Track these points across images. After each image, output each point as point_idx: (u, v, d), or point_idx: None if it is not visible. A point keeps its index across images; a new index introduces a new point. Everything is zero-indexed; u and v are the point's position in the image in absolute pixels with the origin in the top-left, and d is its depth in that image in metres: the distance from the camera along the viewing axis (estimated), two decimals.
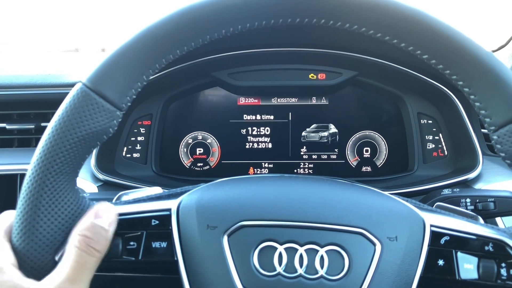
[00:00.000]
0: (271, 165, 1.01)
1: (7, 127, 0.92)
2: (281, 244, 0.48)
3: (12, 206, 0.84)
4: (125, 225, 0.53)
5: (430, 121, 0.96)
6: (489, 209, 0.66)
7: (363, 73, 0.95)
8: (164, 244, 0.53)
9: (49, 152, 0.50)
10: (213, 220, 0.50)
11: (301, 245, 0.48)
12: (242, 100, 1.00)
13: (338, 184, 0.56)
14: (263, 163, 1.01)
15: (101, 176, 0.88)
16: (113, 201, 0.61)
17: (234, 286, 0.47)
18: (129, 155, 0.97)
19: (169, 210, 0.53)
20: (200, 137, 1.00)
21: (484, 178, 0.87)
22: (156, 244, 0.53)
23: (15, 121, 0.94)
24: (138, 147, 0.97)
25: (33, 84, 0.92)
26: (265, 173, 1.01)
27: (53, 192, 0.50)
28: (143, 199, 0.57)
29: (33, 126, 0.92)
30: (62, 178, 0.51)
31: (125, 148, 0.97)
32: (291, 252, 0.48)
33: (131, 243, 0.53)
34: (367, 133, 1.00)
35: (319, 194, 0.53)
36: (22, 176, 0.86)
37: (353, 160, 1.00)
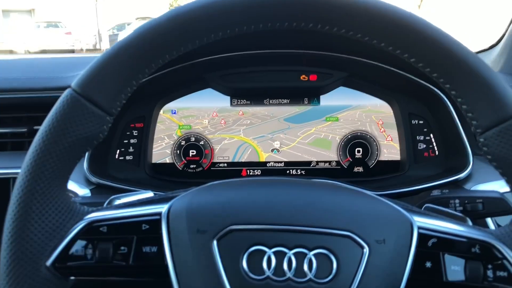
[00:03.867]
0: (263, 167, 1.01)
1: (0, 130, 0.92)
2: (270, 248, 0.49)
3: (4, 211, 0.84)
4: (116, 230, 0.54)
5: (421, 122, 0.97)
6: (477, 210, 0.67)
7: (354, 74, 0.95)
8: (154, 249, 0.53)
9: (39, 158, 0.50)
10: (202, 224, 0.51)
11: (290, 249, 0.49)
12: (235, 102, 1.00)
13: (327, 187, 0.56)
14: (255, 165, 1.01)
15: (93, 179, 0.88)
16: (104, 205, 0.62)
17: None
18: (122, 158, 0.97)
19: (159, 214, 0.53)
20: (193, 139, 1.01)
21: (475, 178, 0.88)
22: (146, 249, 0.53)
23: (8, 124, 0.94)
24: (131, 150, 0.97)
25: (26, 88, 0.92)
26: (257, 174, 1.01)
27: (43, 198, 0.51)
28: (133, 203, 0.57)
29: (25, 130, 0.92)
30: (52, 184, 0.51)
31: (118, 151, 0.97)
32: (280, 255, 0.48)
33: (122, 248, 0.53)
34: (359, 133, 1.00)
35: (307, 197, 0.53)
36: (15, 180, 0.86)
37: (345, 161, 1.01)
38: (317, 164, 1.01)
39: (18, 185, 0.50)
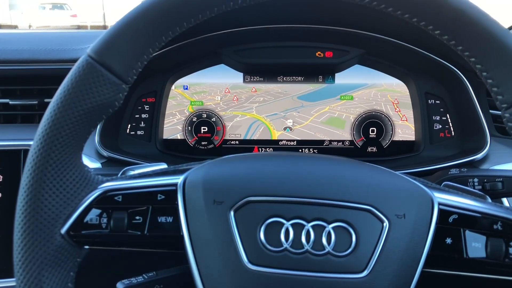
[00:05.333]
0: (275, 145, 1.00)
1: (10, 102, 0.91)
2: (288, 220, 0.48)
3: (15, 183, 0.84)
4: (131, 199, 0.53)
5: (437, 101, 0.95)
6: (497, 189, 0.65)
7: (370, 51, 0.93)
8: (170, 219, 0.53)
9: (54, 125, 0.49)
10: (219, 195, 0.50)
11: (308, 221, 0.48)
12: (248, 78, 0.98)
13: (346, 162, 0.55)
14: (267, 143, 1.00)
15: (105, 153, 0.87)
16: (119, 175, 0.61)
17: (240, 262, 0.47)
18: (133, 132, 0.96)
19: (175, 185, 0.52)
20: (204, 116, 0.99)
21: (491, 160, 0.86)
22: (162, 219, 0.53)
23: (18, 96, 0.93)
24: (142, 125, 0.96)
25: (37, 59, 0.90)
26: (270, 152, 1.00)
27: (58, 165, 0.50)
28: (148, 174, 0.57)
29: (36, 102, 0.91)
30: (67, 151, 0.51)
31: (129, 125, 0.96)
32: (298, 228, 0.48)
33: (137, 217, 0.53)
34: (373, 113, 0.98)
35: (327, 170, 0.52)
36: (26, 152, 0.86)
37: (358, 141, 0.99)
38: (330, 143, 0.99)
39: (33, 151, 0.50)
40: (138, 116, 0.96)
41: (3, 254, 0.81)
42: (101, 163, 0.88)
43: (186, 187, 0.52)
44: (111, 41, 0.50)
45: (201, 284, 0.49)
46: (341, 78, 0.98)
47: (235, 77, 0.99)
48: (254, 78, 0.98)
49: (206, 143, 1.00)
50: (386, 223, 0.48)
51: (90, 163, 0.86)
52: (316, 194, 0.49)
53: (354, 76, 0.98)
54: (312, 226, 0.48)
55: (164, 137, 0.99)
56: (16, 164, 0.84)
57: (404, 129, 0.99)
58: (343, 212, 0.48)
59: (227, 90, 0.99)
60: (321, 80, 0.98)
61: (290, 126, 0.99)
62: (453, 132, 0.95)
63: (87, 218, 0.52)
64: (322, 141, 0.99)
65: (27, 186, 0.50)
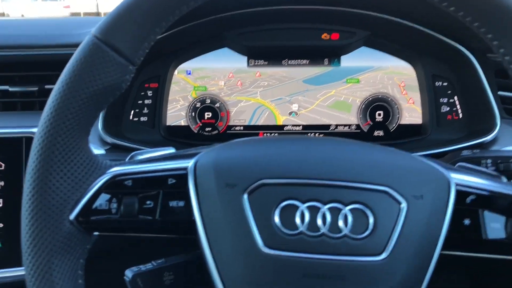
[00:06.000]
0: (281, 130, 0.98)
1: (10, 89, 0.89)
2: (303, 202, 0.47)
3: (17, 171, 0.82)
4: (141, 184, 0.52)
5: (445, 84, 0.94)
6: (511, 169, 0.64)
7: (377, 33, 0.91)
8: (181, 203, 0.51)
9: (60, 108, 0.48)
10: (231, 178, 0.49)
11: (324, 204, 0.47)
12: (252, 62, 0.97)
13: (361, 143, 0.54)
14: (272, 128, 0.99)
15: (108, 139, 0.86)
16: (127, 160, 0.60)
17: (256, 246, 0.46)
18: (137, 119, 0.95)
19: (185, 168, 0.51)
20: (208, 101, 0.98)
21: (501, 142, 0.85)
22: (173, 203, 0.52)
23: (18, 83, 0.91)
24: (146, 111, 0.95)
25: (36, 44, 0.88)
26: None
27: (65, 149, 0.49)
28: (157, 158, 0.55)
29: (36, 88, 0.89)
30: (74, 135, 0.49)
31: (132, 111, 0.94)
32: (313, 210, 0.47)
33: (148, 202, 0.52)
34: (380, 96, 0.97)
35: (342, 152, 0.51)
36: (27, 139, 0.84)
37: (365, 124, 0.98)
38: (336, 127, 0.98)
39: (38, 136, 0.48)
40: (141, 102, 0.94)
41: (8, 243, 0.80)
42: (105, 150, 0.86)
43: (197, 171, 0.50)
44: (118, 20, 0.49)
45: (215, 269, 0.48)
46: (347, 61, 0.96)
47: (239, 61, 0.97)
48: (258, 62, 0.97)
49: (210, 129, 0.98)
50: (403, 205, 0.47)
51: (93, 149, 0.84)
52: (331, 175, 0.48)
53: (360, 59, 0.96)
54: (328, 209, 0.47)
55: (168, 123, 0.97)
56: (18, 152, 0.83)
57: (411, 112, 0.97)
58: (359, 193, 0.47)
59: (231, 74, 0.97)
60: (326, 63, 0.96)
61: (296, 110, 0.98)
62: (460, 114, 0.94)
63: (97, 204, 0.51)
64: (328, 126, 0.98)
65: (33, 172, 0.48)
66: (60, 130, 0.48)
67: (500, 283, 0.80)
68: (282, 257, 0.46)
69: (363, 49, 0.96)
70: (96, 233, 0.53)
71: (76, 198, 0.50)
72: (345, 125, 0.98)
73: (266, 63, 0.97)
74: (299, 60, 0.96)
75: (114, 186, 0.51)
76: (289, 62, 0.97)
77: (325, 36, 0.91)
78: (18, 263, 0.80)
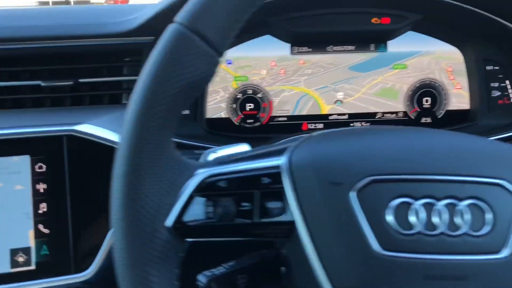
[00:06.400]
0: (326, 120, 0.95)
1: (43, 84, 0.83)
2: (416, 199, 0.43)
3: (60, 172, 0.76)
4: (235, 184, 0.48)
5: (496, 67, 0.91)
6: None
7: (429, 16, 0.87)
8: (279, 204, 0.47)
9: (149, 106, 0.43)
10: (336, 176, 0.45)
11: (439, 200, 0.43)
12: (295, 50, 0.92)
13: (464, 135, 0.51)
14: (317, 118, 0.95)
15: None
16: (202, 159, 0.55)
17: (371, 248, 0.43)
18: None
19: (278, 167, 0.47)
20: (250, 91, 0.93)
21: None
22: (271, 205, 0.47)
23: (47, 78, 0.85)
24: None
25: (69, 35, 0.82)
26: (319, 128, 0.95)
27: (155, 150, 0.44)
28: (246, 156, 0.51)
29: (71, 83, 0.83)
30: (163, 135, 0.45)
31: None
32: (428, 208, 0.43)
33: (244, 204, 0.47)
34: (427, 82, 0.94)
35: (450, 144, 0.48)
36: (69, 138, 0.78)
37: (412, 111, 0.95)
38: (383, 115, 0.95)
39: (126, 137, 0.43)
40: None
41: (55, 250, 0.74)
42: None
43: (294, 168, 0.46)
44: (207, 5, 0.44)
45: (325, 274, 0.44)
46: (393, 46, 0.93)
47: (282, 49, 0.92)
48: (302, 49, 0.92)
49: (252, 121, 0.94)
50: None
51: None
52: (444, 169, 0.44)
53: (407, 44, 0.93)
54: (444, 205, 0.43)
55: (208, 116, 0.92)
56: (59, 152, 0.77)
57: (459, 97, 0.95)
58: (474, 188, 0.44)
59: (273, 63, 0.92)
60: (373, 49, 0.93)
61: (341, 99, 0.94)
62: None
63: (192, 207, 0.46)
64: (374, 114, 0.95)
65: (123, 177, 0.43)
66: (150, 130, 0.43)
67: None
68: (401, 259, 0.42)
69: (410, 34, 0.92)
70: (189, 239, 0.48)
71: (169, 202, 0.46)
72: (392, 113, 0.95)
73: (310, 50, 0.92)
74: (344, 46, 0.92)
75: (208, 187, 0.47)
76: (334, 48, 0.92)
77: (375, 20, 0.87)
78: (67, 271, 0.74)
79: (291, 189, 0.45)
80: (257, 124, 0.94)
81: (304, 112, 0.94)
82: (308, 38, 0.91)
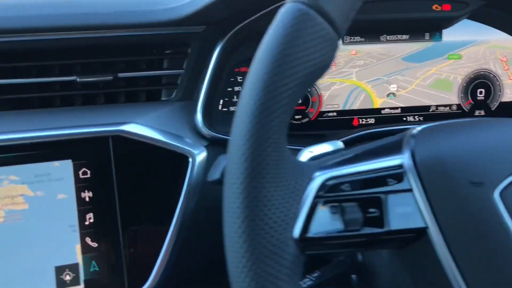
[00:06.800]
0: (378, 114, 0.89)
1: (79, 80, 0.74)
2: None
3: (107, 178, 0.68)
4: (357, 188, 0.42)
5: None
6: None
7: (491, 2, 0.83)
8: (409, 209, 0.41)
9: (269, 100, 0.36)
10: (477, 175, 0.39)
11: None
12: (347, 39, 0.86)
13: None
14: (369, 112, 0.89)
15: (207, 132, 0.74)
16: (303, 159, 0.49)
17: None
18: (226, 109, 0.82)
19: (401, 166, 0.41)
20: None
21: None
22: (399, 209, 0.41)
23: (79, 73, 0.76)
24: (236, 99, 0.82)
25: (108, 24, 0.73)
26: (371, 123, 0.89)
27: (275, 150, 0.37)
28: (358, 155, 0.45)
29: (111, 78, 0.75)
30: (283, 132, 0.38)
31: (221, 101, 0.81)
32: None
33: (371, 209, 0.41)
34: (482, 72, 0.89)
35: None
36: (114, 137, 0.70)
37: (466, 104, 0.90)
38: (437, 108, 0.90)
39: (243, 137, 0.36)
40: (231, 89, 0.81)
41: (105, 265, 0.66)
42: (204, 146, 0.74)
43: (421, 167, 0.40)
44: None
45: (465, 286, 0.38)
46: (448, 35, 0.88)
47: None
48: (354, 38, 0.86)
49: (300, 116, 0.87)
50: None
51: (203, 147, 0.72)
52: None
53: (462, 33, 0.88)
54: None
55: None
56: (105, 155, 0.69)
57: None
58: None
59: None
60: (427, 38, 0.87)
61: (394, 91, 0.88)
62: None
63: (317, 216, 0.40)
64: (428, 107, 0.90)
65: (244, 183, 0.36)
66: (270, 129, 0.36)
67: None
68: None
69: (465, 22, 0.87)
70: (312, 252, 0.42)
71: (294, 211, 0.39)
72: (445, 106, 0.90)
73: (362, 39, 0.86)
74: (398, 36, 0.87)
75: (331, 192, 0.41)
76: (388, 38, 0.87)
77: (436, 7, 0.82)
78: None
79: (421, 191, 0.40)
80: (306, 120, 0.88)
81: (355, 106, 0.88)
82: (361, 27, 0.85)
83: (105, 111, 0.75)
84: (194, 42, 0.76)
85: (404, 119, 0.90)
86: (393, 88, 0.88)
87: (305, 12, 0.36)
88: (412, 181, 0.41)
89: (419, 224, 0.40)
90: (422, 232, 0.40)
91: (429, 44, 0.88)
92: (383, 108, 0.89)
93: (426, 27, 0.87)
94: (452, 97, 0.90)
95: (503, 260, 0.38)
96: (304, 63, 0.37)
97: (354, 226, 0.41)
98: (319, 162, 0.45)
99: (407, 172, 0.41)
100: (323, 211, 0.40)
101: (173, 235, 0.66)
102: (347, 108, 0.88)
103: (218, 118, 0.81)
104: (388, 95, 0.89)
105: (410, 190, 0.41)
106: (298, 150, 0.50)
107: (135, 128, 0.69)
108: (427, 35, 0.87)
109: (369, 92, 0.88)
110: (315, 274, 0.60)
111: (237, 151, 0.37)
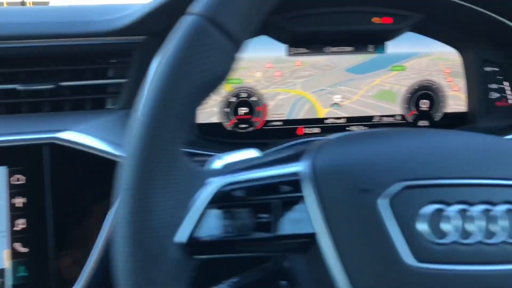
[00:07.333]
0: (322, 124, 0.91)
1: (18, 88, 0.75)
2: (450, 205, 0.40)
3: (40, 185, 0.70)
4: (252, 194, 0.43)
5: (495, 68, 0.89)
6: None
7: (431, 15, 0.85)
8: (302, 215, 0.43)
9: (163, 107, 0.38)
10: (365, 182, 0.41)
11: (473, 205, 0.40)
12: (291, 51, 0.88)
13: (496, 137, 0.48)
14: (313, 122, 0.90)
15: None
16: (214, 167, 0.50)
17: (404, 260, 0.39)
18: None
19: (300, 174, 0.42)
20: (243, 95, 0.88)
21: None
22: (291, 215, 0.43)
23: (24, 80, 0.77)
24: None
25: (51, 34, 0.75)
26: (316, 133, 0.91)
27: (167, 156, 0.39)
28: (260, 163, 0.46)
29: (53, 86, 0.76)
30: (177, 139, 0.40)
31: None
32: (463, 214, 0.40)
33: (263, 215, 0.43)
34: (425, 83, 0.91)
35: (482, 146, 0.45)
36: (50, 146, 0.71)
37: (409, 114, 0.92)
38: (381, 119, 0.91)
39: (135, 143, 0.38)
40: None
41: (34, 271, 0.67)
42: None
43: (317, 175, 0.42)
44: None
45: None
46: (392, 47, 0.90)
47: (277, 50, 0.88)
48: (299, 50, 0.88)
49: (245, 125, 0.89)
50: None
51: None
52: (477, 173, 0.41)
53: (405, 45, 0.90)
54: (479, 211, 0.40)
55: (199, 121, 0.87)
56: (38, 162, 0.70)
57: (456, 100, 0.93)
58: (508, 192, 0.41)
59: (268, 64, 0.88)
60: (371, 50, 0.89)
61: (338, 102, 0.90)
62: (510, 100, 0.90)
63: (205, 221, 0.41)
64: (371, 117, 0.91)
65: (132, 187, 0.38)
66: (162, 136, 0.38)
67: None
68: (436, 271, 0.39)
69: (409, 34, 0.89)
70: (200, 256, 0.43)
71: (180, 216, 0.40)
72: (389, 116, 0.92)
73: (307, 51, 0.88)
74: (342, 47, 0.89)
75: (223, 198, 0.42)
76: (332, 49, 0.89)
77: (376, 20, 0.84)
78: None
79: (315, 198, 0.41)
80: (251, 129, 0.89)
81: (300, 116, 0.90)
82: (305, 39, 0.86)
83: (50, 119, 0.77)
84: (136, 52, 0.78)
85: (348, 128, 0.91)
86: (337, 98, 0.90)
87: (202, 25, 0.38)
88: (306, 188, 0.42)
89: (308, 230, 0.42)
90: (313, 238, 0.42)
91: (373, 55, 0.90)
92: (328, 118, 0.91)
93: (370, 39, 0.88)
94: (395, 108, 0.92)
95: (384, 265, 0.39)
96: (198, 72, 0.38)
97: (244, 231, 0.42)
98: (218, 169, 0.46)
99: (303, 179, 0.42)
100: (213, 217, 0.42)
101: (104, 241, 0.67)
102: (292, 117, 0.90)
103: None
104: (332, 105, 0.90)
105: (302, 197, 0.42)
106: None
107: (70, 135, 0.70)
108: (371, 47, 0.89)
109: (313, 102, 0.90)
110: (233, 280, 0.61)
111: (129, 158, 0.38)
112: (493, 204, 0.40)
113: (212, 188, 0.42)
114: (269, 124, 0.90)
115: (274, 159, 0.47)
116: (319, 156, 0.43)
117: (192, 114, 0.40)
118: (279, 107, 0.89)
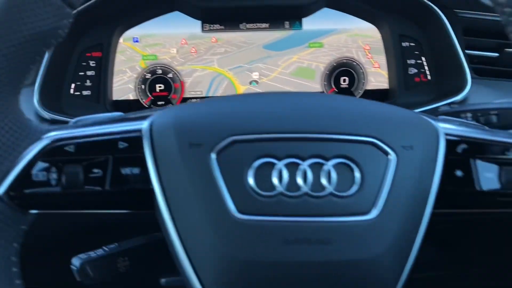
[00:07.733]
0: None
1: None
2: (280, 159, 0.40)
3: None
4: (86, 150, 0.43)
5: (412, 44, 0.89)
6: (491, 122, 0.60)
7: None
8: (136, 171, 0.43)
9: None
10: (196, 137, 0.41)
11: (304, 160, 0.40)
12: (206, 27, 0.88)
13: (341, 96, 0.48)
14: None
15: (46, 115, 0.75)
16: (69, 124, 0.51)
17: (228, 212, 0.39)
18: (78, 93, 0.84)
19: (139, 130, 0.43)
20: (159, 71, 0.88)
21: (471, 101, 0.82)
22: (126, 171, 0.43)
23: None
24: (88, 83, 0.84)
25: None
26: None
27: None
28: (104, 121, 0.47)
29: None
30: (5, 91, 0.40)
31: (73, 85, 0.83)
32: (292, 168, 0.40)
33: (95, 170, 0.43)
34: (344, 60, 0.91)
35: (321, 103, 0.45)
36: None
37: (329, 92, 0.92)
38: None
39: None
40: (82, 73, 0.84)
41: None
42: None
43: (154, 131, 0.42)
44: None
45: (180, 243, 0.41)
46: (308, 23, 0.90)
47: (192, 26, 0.88)
48: (213, 26, 0.88)
49: (163, 102, 0.89)
50: (392, 156, 0.41)
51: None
52: (310, 128, 0.42)
53: (322, 21, 0.90)
54: (309, 165, 0.40)
55: (114, 98, 0.87)
56: None
57: (377, 76, 0.92)
58: (343, 146, 0.41)
59: (183, 41, 0.88)
60: (287, 27, 0.89)
61: (256, 79, 0.90)
62: (429, 76, 0.90)
63: (32, 174, 0.42)
64: None
65: None
66: None
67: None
68: (258, 222, 0.39)
69: (325, 11, 0.89)
70: (33, 211, 0.44)
71: (5, 168, 0.41)
72: None
73: (222, 27, 0.88)
74: (258, 24, 0.89)
75: (54, 153, 0.42)
76: (248, 26, 0.89)
77: None
78: None
79: (150, 153, 0.42)
80: (169, 106, 0.89)
81: (218, 93, 0.90)
82: (219, 15, 0.87)
83: None
84: None
85: None
86: (255, 75, 0.90)
87: None
88: (145, 144, 0.42)
89: (142, 185, 0.42)
90: (149, 193, 0.42)
91: (290, 32, 0.90)
92: None
93: (285, 15, 0.88)
94: (315, 85, 0.91)
95: (211, 217, 0.40)
96: (23, 25, 0.38)
97: (74, 186, 0.42)
98: (59, 125, 0.47)
99: (143, 136, 0.43)
100: (43, 171, 0.42)
101: None
102: (210, 94, 0.90)
103: (70, 102, 0.83)
104: (250, 83, 0.90)
105: (141, 152, 0.43)
106: None
107: None
108: (287, 24, 0.89)
109: (231, 79, 0.90)
110: (111, 246, 0.62)
111: None
112: (325, 158, 0.40)
113: (43, 142, 0.42)
114: (187, 101, 0.90)
115: (122, 118, 0.47)
116: (161, 115, 0.44)
117: (23, 67, 0.41)
118: (197, 84, 0.90)
